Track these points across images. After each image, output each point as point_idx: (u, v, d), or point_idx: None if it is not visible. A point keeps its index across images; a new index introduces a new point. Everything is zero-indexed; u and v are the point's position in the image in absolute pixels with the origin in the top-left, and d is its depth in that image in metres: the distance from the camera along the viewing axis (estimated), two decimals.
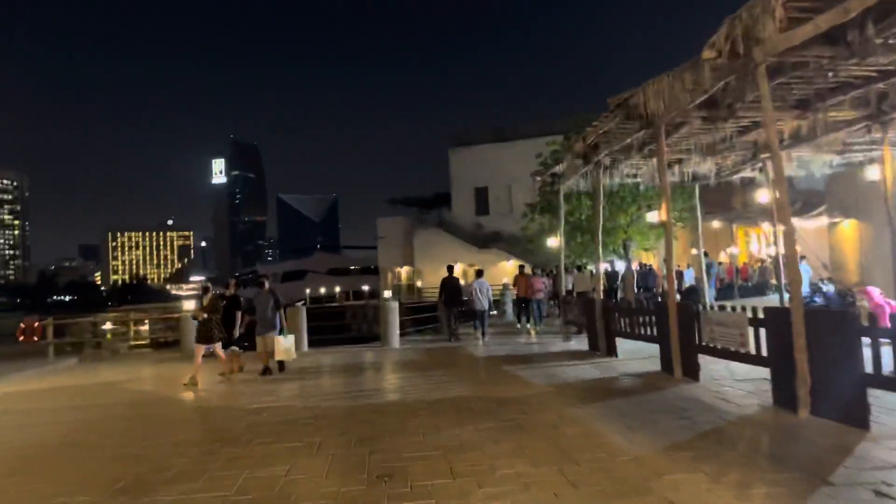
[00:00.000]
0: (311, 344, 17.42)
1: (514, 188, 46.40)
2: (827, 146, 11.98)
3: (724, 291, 29.34)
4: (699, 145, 12.25)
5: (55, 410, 9.83)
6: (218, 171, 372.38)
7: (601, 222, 12.85)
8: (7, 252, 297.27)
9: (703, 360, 9.03)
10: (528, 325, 18.48)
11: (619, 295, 20.31)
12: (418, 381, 10.66)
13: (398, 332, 16.91)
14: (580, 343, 14.44)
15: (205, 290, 12.22)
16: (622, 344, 12.17)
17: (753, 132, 11.05)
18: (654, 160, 13.59)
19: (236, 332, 12.30)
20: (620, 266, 22.68)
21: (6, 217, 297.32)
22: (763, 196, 14.15)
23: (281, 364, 12.59)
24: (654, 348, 10.95)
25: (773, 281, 26.05)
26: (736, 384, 8.55)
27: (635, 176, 15.07)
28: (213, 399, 9.91)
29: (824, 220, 20.90)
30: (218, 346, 11.72)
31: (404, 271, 51.85)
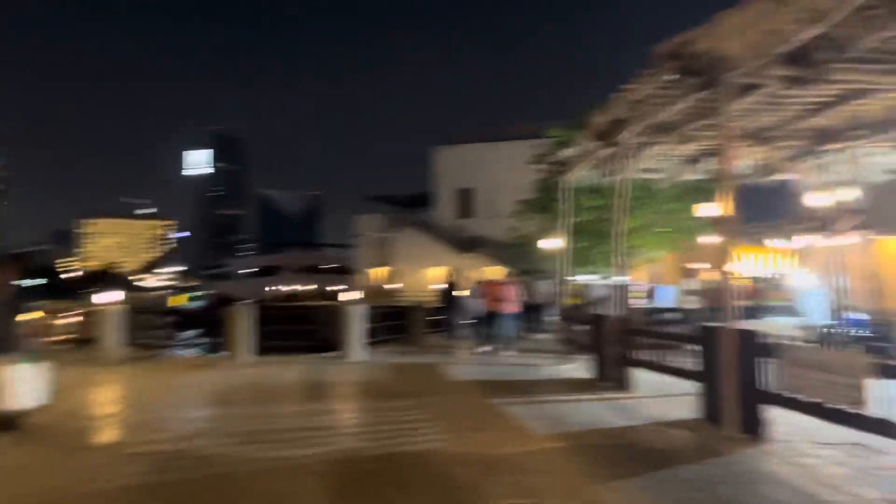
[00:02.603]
0: (263, 351, 14.68)
1: (502, 191, 43.89)
2: None
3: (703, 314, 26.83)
4: (745, 129, 9.75)
5: None
6: (202, 162, 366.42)
7: (623, 222, 10.26)
8: None
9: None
10: (494, 347, 14.62)
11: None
12: (372, 418, 8.00)
13: (363, 341, 14.19)
14: (579, 368, 11.83)
15: None
16: (638, 375, 9.61)
17: (825, 113, 8.54)
18: (686, 147, 11.09)
19: None
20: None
21: None
22: (819, 198, 11.67)
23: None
24: (680, 384, 8.42)
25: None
26: (818, 450, 6.00)
27: (653, 170, 12.58)
28: None
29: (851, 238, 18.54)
30: None
31: (380, 272, 49.04)
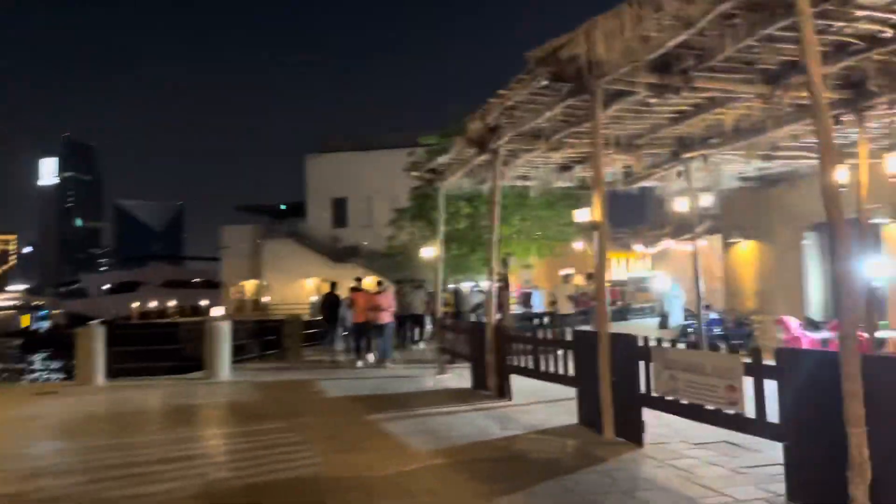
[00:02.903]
0: (120, 374, 13.44)
1: (376, 200, 43.55)
2: (756, 147, 10.14)
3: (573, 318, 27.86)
4: (612, 137, 9.99)
5: None
6: (47, 172, 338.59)
7: (497, 229, 10.18)
8: None
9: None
10: (371, 360, 14.22)
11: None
12: (240, 444, 7.38)
13: (229, 360, 13.31)
14: (459, 378, 11.69)
15: None
16: (516, 382, 9.56)
17: (685, 122, 8.88)
18: (558, 155, 11.24)
19: None
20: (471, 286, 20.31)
21: None
22: (681, 204, 12.22)
23: None
24: (558, 389, 8.44)
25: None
26: (692, 452, 6.11)
27: (526, 178, 12.69)
28: None
29: (705, 242, 19.77)
30: None
31: (250, 285, 47.13)
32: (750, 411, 5.03)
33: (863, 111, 7.51)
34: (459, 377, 11.69)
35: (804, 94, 7.30)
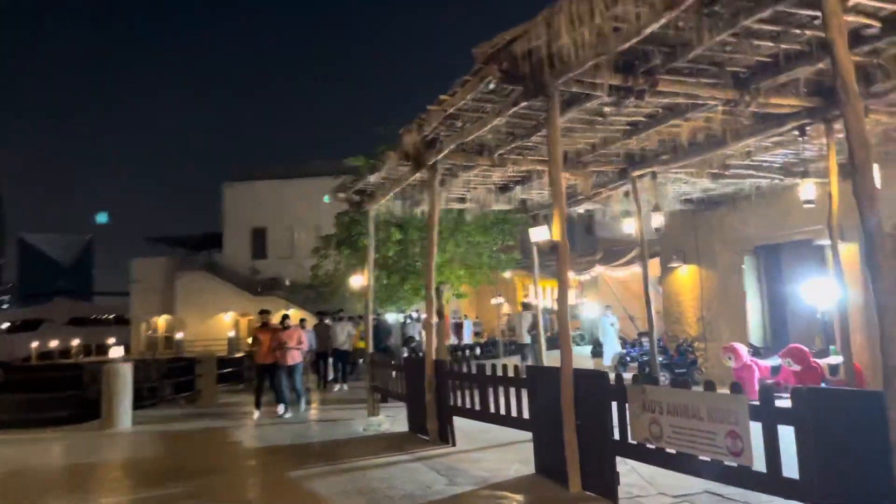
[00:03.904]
0: (2, 425, 11.62)
1: (297, 230, 41.92)
2: (706, 165, 9.60)
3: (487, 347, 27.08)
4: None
5: None
6: None
7: (433, 255, 9.17)
8: None
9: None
10: (280, 410, 11.73)
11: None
12: None
13: (130, 407, 11.67)
14: (393, 420, 10.54)
15: None
16: (459, 422, 8.52)
17: (639, 134, 8.19)
18: (498, 174, 10.40)
19: None
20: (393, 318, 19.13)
21: None
22: (630, 225, 11.55)
23: None
24: (506, 430, 7.50)
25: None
26: None
27: (463, 200, 11.81)
28: None
29: (637, 268, 19.38)
30: None
31: (163, 321, 44.25)
32: (758, 464, 4.18)
33: (832, 121, 6.97)
34: (393, 420, 10.54)
35: (773, 100, 6.74)
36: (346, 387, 15.78)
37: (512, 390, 7.32)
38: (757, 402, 4.22)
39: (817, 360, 10.51)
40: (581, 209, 12.65)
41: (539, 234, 11.30)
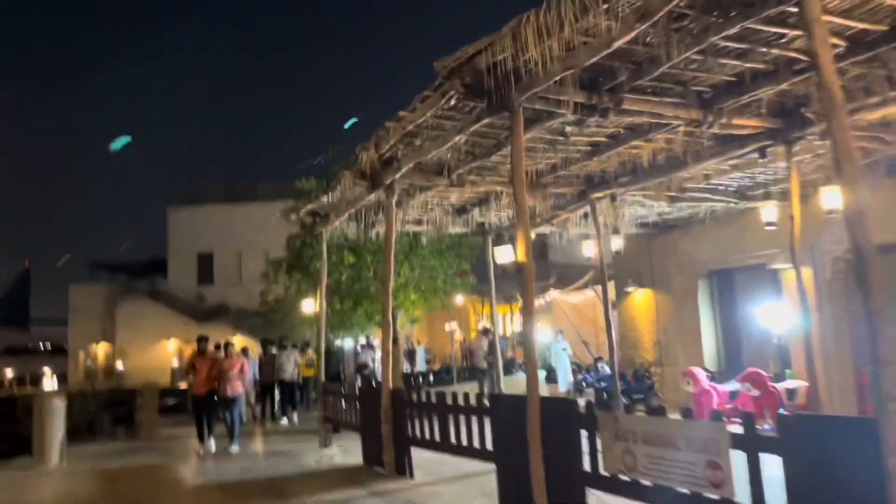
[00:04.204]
0: None
1: (245, 255, 40.88)
2: (663, 188, 9.57)
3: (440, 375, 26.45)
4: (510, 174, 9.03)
5: None
6: None
7: (389, 280, 8.82)
8: None
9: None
10: (210, 445, 10.96)
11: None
12: None
13: (63, 442, 10.88)
14: (346, 451, 10.08)
15: None
16: (417, 454, 8.15)
17: (599, 155, 8.08)
18: (455, 196, 10.18)
19: None
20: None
21: None
22: (589, 248, 11.40)
23: None
24: (463, 462, 7.18)
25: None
26: None
27: (420, 222, 11.53)
28: None
29: (592, 292, 19.35)
30: None
31: (102, 350, 42.43)
32: (741, 495, 3.95)
33: (792, 143, 6.95)
34: (347, 451, 10.08)
35: (735, 121, 6.68)
36: (295, 419, 14.95)
37: (474, 419, 7.01)
38: (739, 431, 4.00)
39: (774, 385, 10.49)
40: (534, 233, 12.50)
41: (504, 255, 11.03)
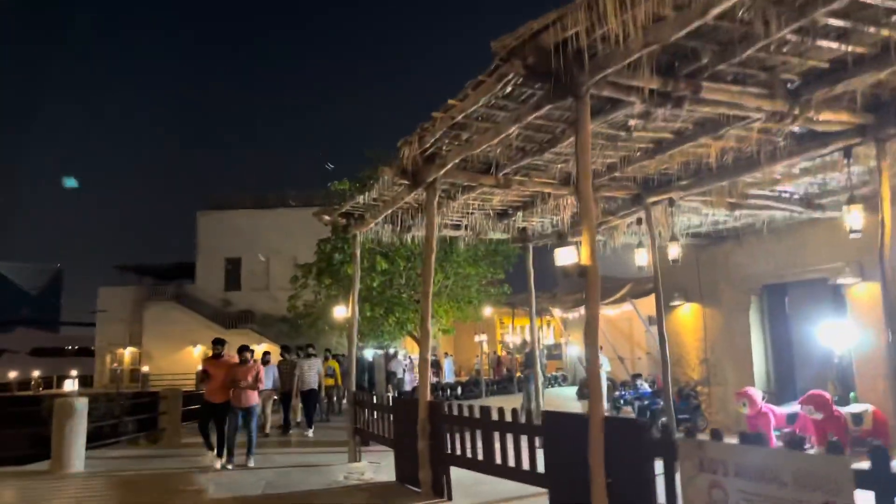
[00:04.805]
0: None
1: (273, 261, 40.70)
2: (726, 194, 8.87)
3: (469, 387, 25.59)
4: (562, 174, 8.44)
5: None
6: None
7: (430, 285, 8.21)
8: None
9: None
10: (222, 459, 10.15)
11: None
12: None
13: (83, 446, 10.44)
14: (377, 467, 9.49)
15: None
16: (456, 473, 7.52)
17: (660, 154, 7.43)
18: (497, 199, 9.58)
19: None
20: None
21: None
22: (642, 257, 10.69)
23: None
24: (503, 485, 6.55)
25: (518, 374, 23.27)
26: None
27: (459, 226, 10.94)
28: None
29: (630, 306, 18.58)
30: None
31: (128, 353, 42.42)
32: None
33: (885, 140, 6.24)
34: (378, 467, 9.49)
35: (823, 115, 6.00)
36: (310, 432, 13.81)
37: (523, 438, 6.37)
38: (866, 467, 3.33)
39: (839, 409, 9.70)
40: (575, 241, 11.83)
41: (565, 257, 10.22)
